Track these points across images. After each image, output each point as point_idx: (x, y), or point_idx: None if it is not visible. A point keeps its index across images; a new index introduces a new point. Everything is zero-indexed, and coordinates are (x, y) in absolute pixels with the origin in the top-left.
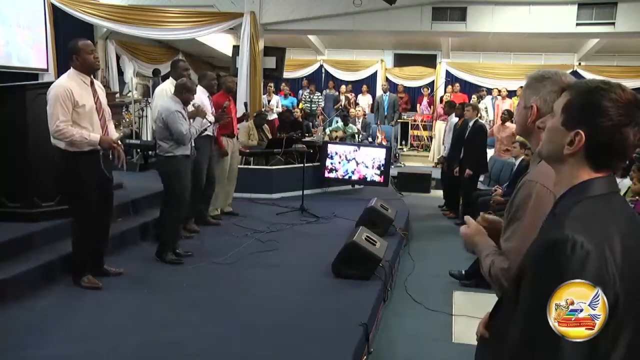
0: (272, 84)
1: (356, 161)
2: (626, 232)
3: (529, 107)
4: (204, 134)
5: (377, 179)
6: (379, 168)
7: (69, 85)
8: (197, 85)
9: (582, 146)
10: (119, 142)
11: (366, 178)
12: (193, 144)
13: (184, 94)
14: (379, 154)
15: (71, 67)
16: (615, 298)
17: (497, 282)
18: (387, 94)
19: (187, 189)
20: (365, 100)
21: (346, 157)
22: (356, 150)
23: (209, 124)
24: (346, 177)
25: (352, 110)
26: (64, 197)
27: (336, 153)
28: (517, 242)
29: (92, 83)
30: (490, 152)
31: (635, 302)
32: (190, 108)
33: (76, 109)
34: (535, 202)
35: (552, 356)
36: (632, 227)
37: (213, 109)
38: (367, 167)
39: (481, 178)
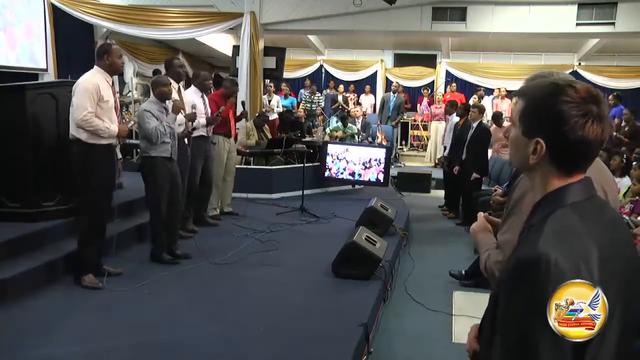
0: (272, 84)
1: (346, 160)
2: (604, 240)
3: None
4: (197, 134)
5: (362, 173)
6: (364, 164)
7: (96, 80)
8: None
9: (545, 153)
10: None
11: (354, 173)
12: (173, 148)
13: (156, 90)
14: (366, 153)
15: (95, 66)
16: None
17: (492, 275)
18: (396, 94)
19: (163, 192)
20: (368, 100)
21: (337, 157)
22: (346, 151)
23: (201, 125)
24: (339, 174)
25: (352, 110)
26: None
27: (328, 153)
28: (512, 236)
29: (112, 83)
30: (490, 152)
31: (617, 310)
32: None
33: (100, 104)
34: (532, 197)
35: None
36: (611, 233)
37: (209, 109)
38: (355, 164)
39: None
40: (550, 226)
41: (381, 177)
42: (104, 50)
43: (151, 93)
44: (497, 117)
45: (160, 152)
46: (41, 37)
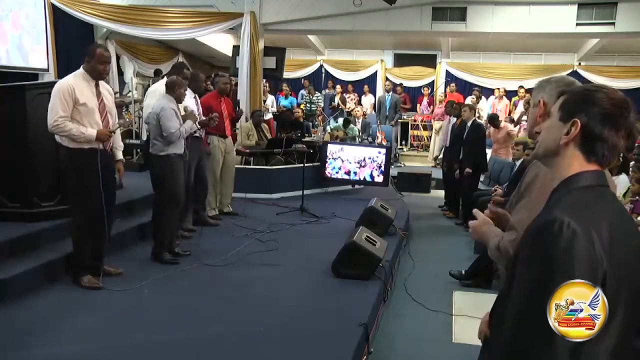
0: (267, 84)
1: (341, 159)
2: (614, 221)
3: (536, 103)
4: (193, 134)
5: (357, 171)
6: (358, 163)
7: (72, 82)
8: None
9: (578, 134)
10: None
11: (350, 172)
12: (185, 144)
13: (176, 90)
14: (361, 152)
15: (81, 67)
16: (603, 276)
17: (506, 254)
18: (390, 93)
19: (181, 188)
20: (367, 101)
21: (332, 156)
22: (341, 150)
23: (197, 128)
24: (333, 173)
25: (353, 109)
26: (66, 193)
27: (328, 153)
28: (525, 215)
29: (97, 85)
30: (489, 152)
31: (624, 287)
32: (181, 108)
33: (77, 107)
34: (543, 179)
35: (549, 352)
36: (620, 217)
37: (200, 109)
38: (350, 162)
39: (481, 178)
40: (565, 201)
41: (376, 174)
42: (89, 53)
43: (164, 92)
44: (494, 119)
45: (176, 150)
46: (29, 30)
